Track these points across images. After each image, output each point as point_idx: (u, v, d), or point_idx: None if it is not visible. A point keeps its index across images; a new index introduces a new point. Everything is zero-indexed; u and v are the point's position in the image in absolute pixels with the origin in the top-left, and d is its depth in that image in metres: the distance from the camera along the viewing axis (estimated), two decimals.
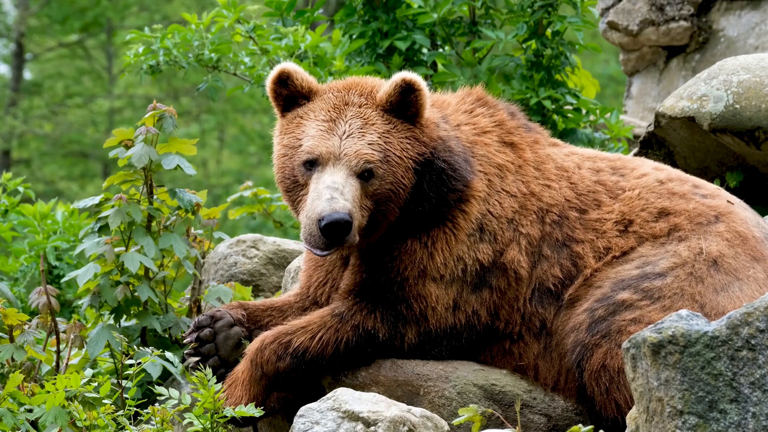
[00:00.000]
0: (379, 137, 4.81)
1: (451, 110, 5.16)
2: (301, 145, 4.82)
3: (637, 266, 4.76)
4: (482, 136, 5.11)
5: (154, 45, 7.81)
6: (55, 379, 4.64)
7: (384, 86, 4.90)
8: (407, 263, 4.87)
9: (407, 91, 4.84)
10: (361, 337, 4.83)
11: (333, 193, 4.64)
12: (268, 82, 4.96)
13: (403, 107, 4.87)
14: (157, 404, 4.67)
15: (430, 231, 4.90)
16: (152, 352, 5.02)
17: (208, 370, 4.45)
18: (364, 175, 4.75)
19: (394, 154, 4.81)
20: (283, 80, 4.93)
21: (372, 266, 4.91)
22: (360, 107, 4.87)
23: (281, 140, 4.94)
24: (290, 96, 4.95)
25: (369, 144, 4.78)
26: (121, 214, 5.47)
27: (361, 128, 4.82)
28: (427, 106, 4.90)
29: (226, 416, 4.40)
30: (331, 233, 4.59)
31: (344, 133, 4.80)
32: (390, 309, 4.85)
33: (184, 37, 7.79)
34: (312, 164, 4.78)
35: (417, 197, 4.87)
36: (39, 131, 23.70)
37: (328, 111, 4.86)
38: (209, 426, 4.39)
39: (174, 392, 4.56)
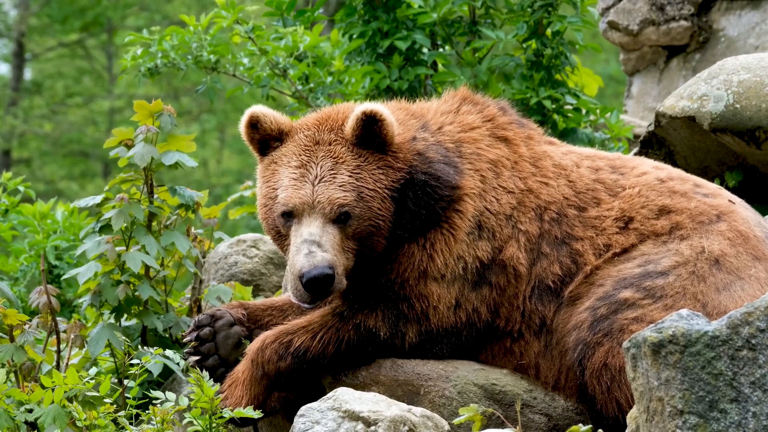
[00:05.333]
0: (350, 175, 4.81)
1: (432, 114, 5.13)
2: (277, 196, 4.85)
3: (639, 264, 4.76)
4: (469, 133, 5.09)
5: (152, 47, 7.82)
6: (52, 375, 4.64)
7: (348, 121, 4.88)
8: (406, 265, 4.87)
9: (370, 122, 4.83)
10: (362, 336, 4.83)
11: (311, 247, 4.66)
12: (242, 128, 5.00)
13: (371, 138, 4.86)
14: (159, 403, 4.66)
15: (426, 233, 4.90)
16: (153, 351, 5.02)
17: (205, 372, 4.44)
18: (341, 218, 4.76)
19: (367, 188, 4.81)
20: (254, 124, 4.96)
21: (372, 271, 4.91)
22: (330, 145, 4.87)
23: (261, 189, 4.98)
24: (263, 140, 4.98)
25: (341, 186, 4.78)
26: (124, 214, 5.48)
27: (332, 169, 4.81)
28: (394, 132, 4.87)
29: (224, 417, 4.40)
30: (314, 288, 4.63)
31: (316, 177, 4.80)
32: (391, 308, 4.85)
33: (182, 39, 7.79)
34: (289, 215, 4.81)
35: (403, 218, 4.86)
36: (39, 131, 23.71)
37: (299, 155, 4.87)
38: (207, 426, 4.39)
39: (170, 395, 4.56)
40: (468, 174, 4.96)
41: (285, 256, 4.96)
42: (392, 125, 4.86)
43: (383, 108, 4.86)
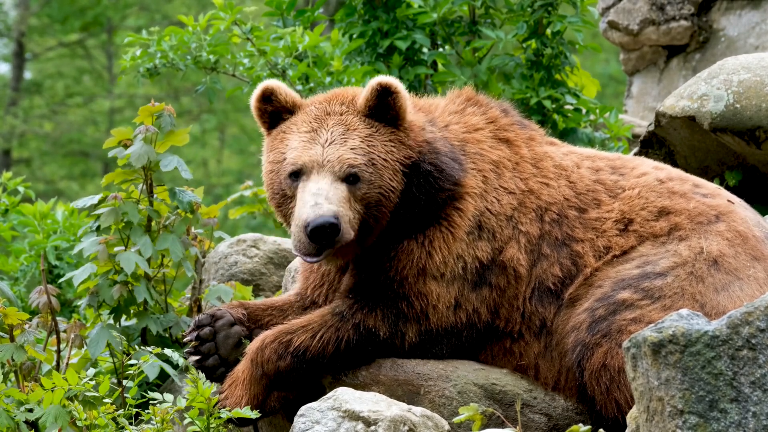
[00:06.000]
0: (362, 141, 4.81)
1: (439, 112, 5.16)
2: (285, 159, 4.85)
3: (638, 265, 4.76)
4: (473, 133, 5.10)
5: (151, 48, 7.83)
6: (52, 376, 4.64)
7: (362, 92, 4.91)
8: (405, 263, 4.87)
9: (384, 94, 4.84)
10: (362, 335, 4.83)
11: (317, 199, 4.65)
12: (253, 101, 5.00)
13: (383, 110, 4.87)
14: (157, 404, 4.67)
15: (425, 230, 4.90)
16: (151, 351, 5.02)
17: (201, 374, 4.44)
18: (350, 179, 4.75)
19: (379, 157, 4.81)
20: (267, 97, 4.96)
21: (370, 267, 4.91)
22: (341, 115, 4.88)
23: (268, 157, 4.97)
24: (275, 112, 4.98)
25: (352, 149, 4.78)
26: (114, 213, 5.48)
27: (343, 134, 4.82)
28: (407, 108, 4.89)
29: (221, 417, 4.40)
30: (319, 237, 4.59)
31: (326, 141, 4.81)
32: (391, 307, 4.85)
33: (182, 39, 7.80)
34: (297, 175, 4.79)
35: (407, 201, 4.86)
36: (39, 131, 23.71)
37: (310, 122, 4.88)
38: (206, 427, 4.38)
39: (168, 396, 4.55)
40: (471, 173, 4.97)
41: (287, 226, 4.93)
42: (406, 99, 4.89)
43: (398, 81, 4.88)
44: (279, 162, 4.88)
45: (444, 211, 4.90)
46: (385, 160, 4.81)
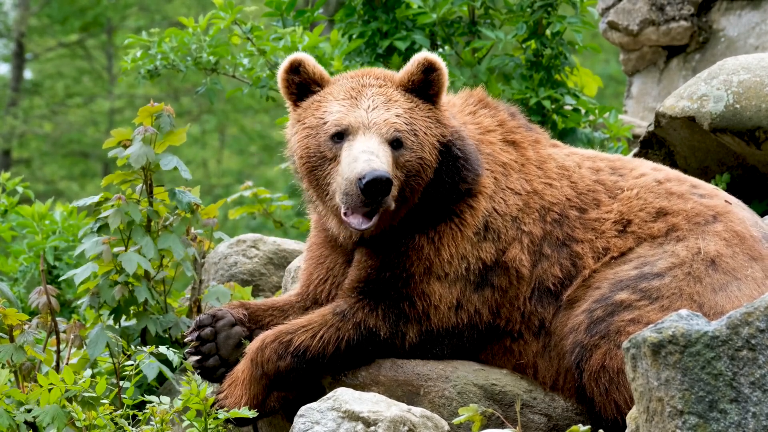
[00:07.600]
0: (404, 111, 4.84)
1: (457, 110, 5.21)
2: (326, 121, 4.82)
3: (636, 267, 4.76)
4: (487, 135, 5.15)
5: (152, 49, 7.83)
6: (49, 376, 4.64)
7: (405, 67, 4.94)
8: (414, 259, 4.87)
9: (428, 70, 4.89)
10: (362, 335, 4.83)
11: (370, 156, 4.63)
12: (280, 72, 4.99)
13: (424, 87, 4.91)
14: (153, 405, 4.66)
15: (437, 226, 4.91)
16: (146, 350, 5.01)
17: (196, 375, 4.43)
18: (394, 143, 4.76)
19: (420, 129, 4.84)
20: (295, 68, 4.96)
21: (378, 262, 4.91)
22: (380, 87, 4.91)
23: (302, 124, 4.92)
24: (303, 84, 4.97)
25: (396, 115, 4.81)
26: (120, 214, 5.48)
27: (385, 103, 4.84)
28: (446, 87, 4.94)
29: (219, 418, 4.39)
30: (372, 191, 4.55)
31: (369, 107, 4.82)
32: (392, 307, 4.85)
33: (182, 41, 7.80)
34: (341, 136, 4.78)
35: (435, 182, 4.89)
36: (39, 131, 23.71)
37: (348, 91, 4.90)
38: (204, 428, 4.38)
39: (165, 399, 4.55)
40: (485, 173, 5.00)
41: (315, 192, 4.87)
42: (447, 78, 4.92)
43: (441, 60, 4.92)
44: (317, 126, 4.85)
45: (458, 207, 4.92)
46: (425, 133, 4.84)
